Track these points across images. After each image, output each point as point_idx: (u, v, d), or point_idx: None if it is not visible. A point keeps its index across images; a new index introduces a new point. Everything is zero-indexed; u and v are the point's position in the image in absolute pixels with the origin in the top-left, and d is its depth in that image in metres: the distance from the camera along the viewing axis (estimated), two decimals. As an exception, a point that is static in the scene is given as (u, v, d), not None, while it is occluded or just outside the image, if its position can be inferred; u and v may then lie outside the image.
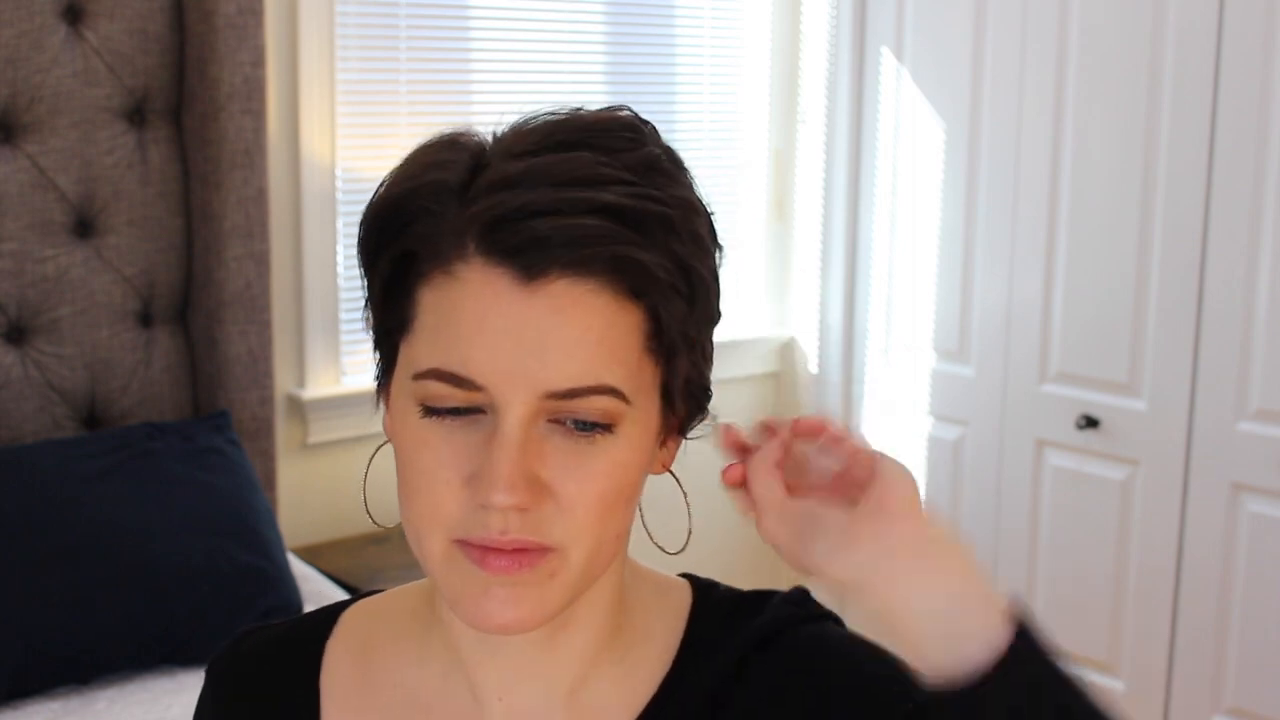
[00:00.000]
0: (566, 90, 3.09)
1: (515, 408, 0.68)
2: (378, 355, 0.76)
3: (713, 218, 0.75)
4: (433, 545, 0.72)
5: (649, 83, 3.26)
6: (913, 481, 0.71)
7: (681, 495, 0.82)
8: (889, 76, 3.25)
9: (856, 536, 0.70)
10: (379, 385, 0.77)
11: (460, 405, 0.69)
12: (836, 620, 0.83)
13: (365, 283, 0.75)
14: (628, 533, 0.76)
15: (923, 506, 0.71)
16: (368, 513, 0.84)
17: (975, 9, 3.04)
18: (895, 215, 3.28)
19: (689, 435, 0.79)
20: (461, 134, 0.73)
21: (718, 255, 0.75)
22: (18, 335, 2.32)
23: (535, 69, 3.03)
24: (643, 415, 0.72)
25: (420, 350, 0.70)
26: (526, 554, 0.70)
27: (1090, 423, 2.90)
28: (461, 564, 0.71)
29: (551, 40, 3.05)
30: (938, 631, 0.68)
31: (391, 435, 0.74)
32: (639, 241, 0.68)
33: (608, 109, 0.75)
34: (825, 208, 3.40)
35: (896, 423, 3.29)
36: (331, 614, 0.88)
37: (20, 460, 2.16)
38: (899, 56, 3.22)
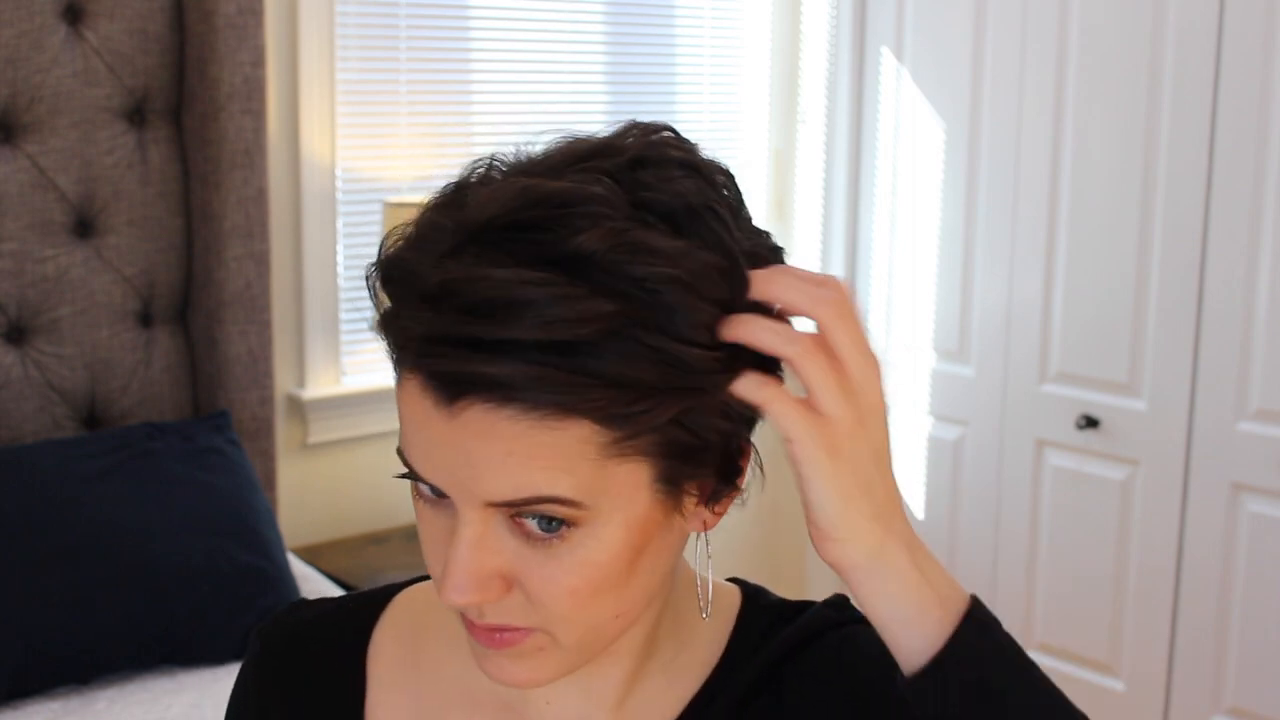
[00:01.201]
0: (566, 90, 3.09)
1: (466, 510, 0.66)
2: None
3: (732, 264, 0.67)
4: (444, 604, 0.72)
5: (649, 83, 3.26)
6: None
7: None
8: (889, 76, 3.25)
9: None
10: None
11: (432, 489, 0.69)
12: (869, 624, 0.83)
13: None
14: (645, 600, 0.73)
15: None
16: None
17: (975, 9, 3.04)
18: (895, 215, 3.28)
19: (735, 497, 0.74)
20: (469, 173, 0.71)
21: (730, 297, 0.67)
22: (18, 335, 2.32)
23: (535, 69, 3.03)
24: (620, 510, 0.67)
25: (401, 430, 0.70)
26: (507, 632, 0.70)
27: (1090, 423, 2.90)
28: (466, 629, 0.72)
29: (551, 40, 3.05)
30: (899, 633, 0.69)
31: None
32: (554, 375, 0.62)
33: (646, 139, 0.70)
34: (825, 208, 3.40)
35: (896, 423, 3.29)
36: (384, 596, 0.87)
37: (20, 460, 2.16)
38: (899, 56, 3.22)
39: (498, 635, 0.69)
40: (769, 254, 0.71)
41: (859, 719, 0.78)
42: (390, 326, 0.67)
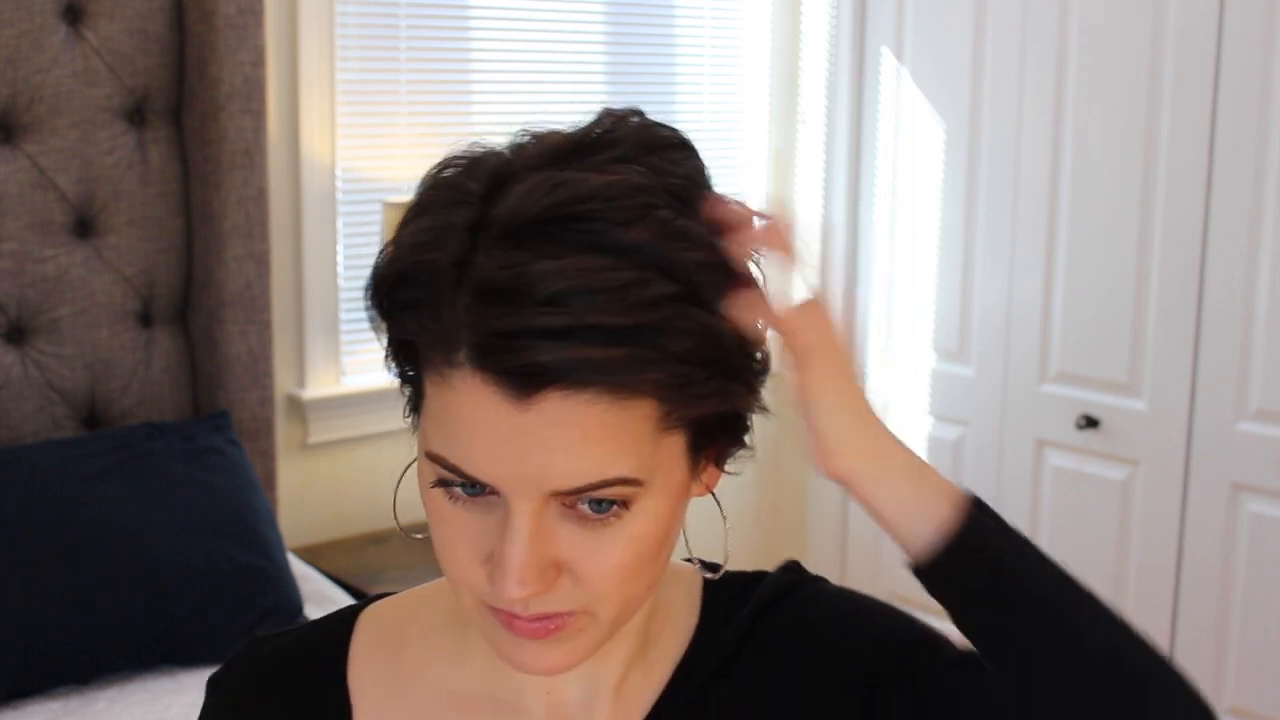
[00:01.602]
0: (566, 90, 3.09)
1: (523, 503, 0.68)
2: (402, 386, 0.76)
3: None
4: (465, 600, 0.73)
5: (649, 83, 3.26)
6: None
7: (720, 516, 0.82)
8: (889, 76, 3.25)
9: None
10: (411, 409, 0.76)
11: (471, 488, 0.70)
12: (825, 582, 0.88)
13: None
14: (665, 569, 0.76)
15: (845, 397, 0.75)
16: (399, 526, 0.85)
17: (975, 9, 3.04)
18: (895, 215, 3.28)
19: (727, 470, 0.79)
20: (465, 172, 0.71)
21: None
22: (18, 335, 2.32)
23: (535, 69, 3.03)
24: (664, 482, 0.71)
25: (430, 429, 0.70)
26: (552, 618, 0.71)
27: (1090, 423, 2.90)
28: (493, 622, 0.72)
29: (552, 40, 3.05)
30: (909, 523, 0.73)
31: (420, 482, 0.74)
32: (634, 356, 0.65)
33: (631, 124, 0.73)
34: (825, 208, 3.40)
35: (896, 423, 3.29)
36: (346, 618, 0.86)
37: (20, 460, 2.15)
38: (899, 56, 3.22)
39: (541, 624, 0.71)
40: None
41: (826, 673, 0.82)
42: (431, 330, 0.67)
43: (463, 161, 0.72)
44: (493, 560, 0.69)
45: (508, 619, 0.71)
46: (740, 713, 0.82)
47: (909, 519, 0.73)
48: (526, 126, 0.74)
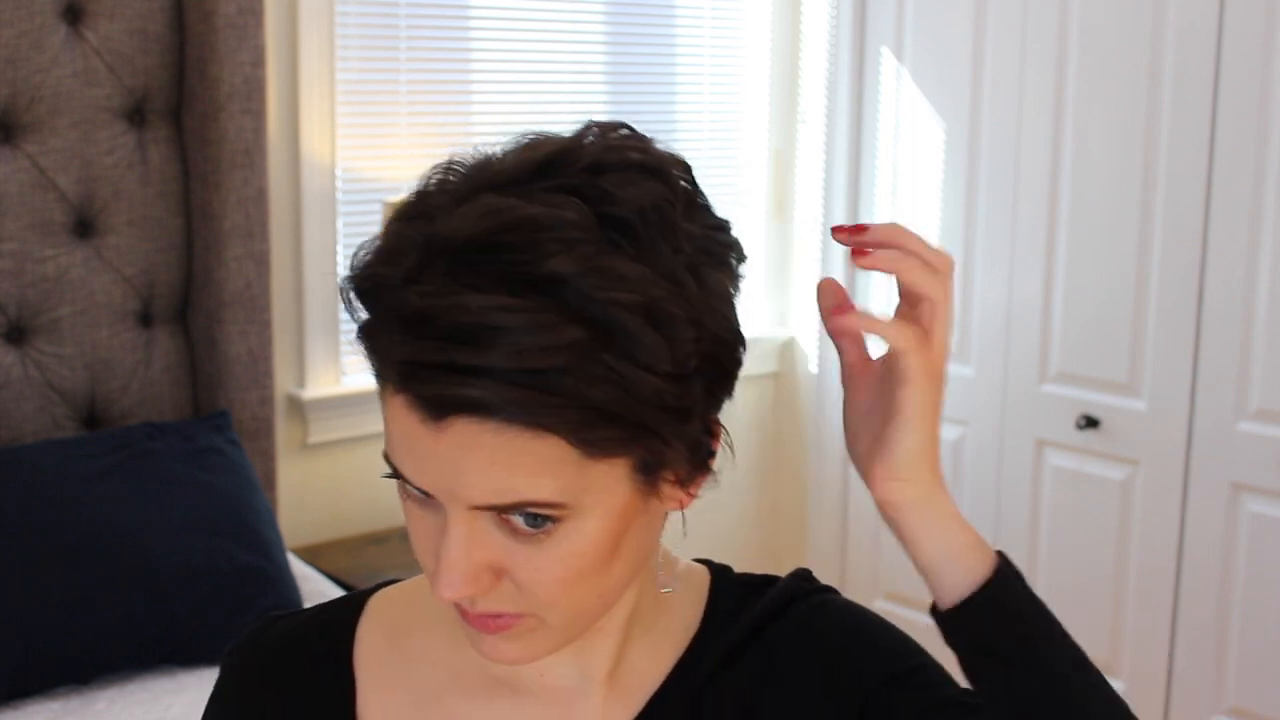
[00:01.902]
0: (566, 91, 3.09)
1: (454, 510, 0.70)
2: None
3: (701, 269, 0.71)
4: (436, 595, 0.75)
5: (649, 83, 3.26)
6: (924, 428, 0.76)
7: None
8: (889, 76, 3.25)
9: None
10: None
11: (419, 490, 0.72)
12: (836, 593, 0.90)
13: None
14: (628, 579, 0.77)
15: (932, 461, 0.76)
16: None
17: (975, 9, 3.04)
18: (895, 215, 3.28)
19: (695, 492, 0.78)
20: (440, 184, 0.72)
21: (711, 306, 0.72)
22: (18, 335, 2.32)
23: (535, 69, 3.03)
24: (599, 504, 0.70)
25: (387, 437, 0.73)
26: (499, 617, 0.74)
27: (1090, 423, 2.90)
28: (455, 612, 0.76)
29: (552, 40, 3.05)
30: (945, 568, 0.76)
31: None
32: (537, 399, 0.65)
33: (598, 142, 0.72)
34: (825, 208, 3.40)
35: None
36: (357, 600, 0.90)
37: (20, 460, 2.15)
38: (899, 56, 3.22)
39: (491, 621, 0.73)
40: (721, 248, 0.75)
41: (827, 681, 0.83)
42: (372, 345, 0.71)
43: (448, 170, 0.73)
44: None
45: (461, 611, 0.74)
46: (738, 708, 0.83)
47: (949, 564, 0.76)
48: (527, 132, 0.75)
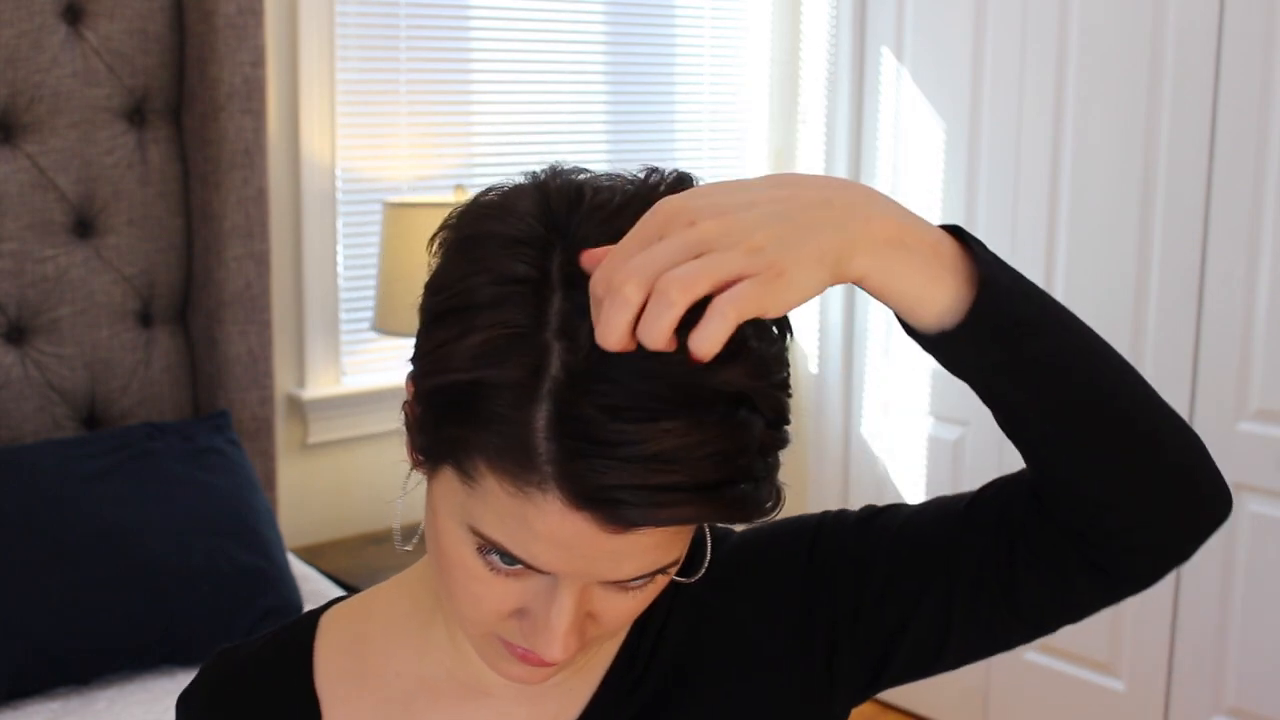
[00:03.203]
0: (566, 91, 3.09)
1: (576, 586, 0.69)
2: (420, 434, 0.72)
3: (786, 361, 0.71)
4: (471, 630, 0.74)
5: (649, 83, 3.26)
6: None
7: None
8: (889, 76, 3.25)
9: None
10: (416, 447, 0.73)
11: (513, 562, 0.70)
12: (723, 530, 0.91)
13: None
14: None
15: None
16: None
17: (975, 9, 3.04)
18: (895, 215, 3.28)
19: None
20: (533, 262, 0.67)
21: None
22: (18, 335, 2.32)
23: (535, 69, 3.03)
24: (687, 544, 0.73)
25: (482, 514, 0.68)
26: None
27: (1090, 423, 2.90)
28: (500, 649, 0.74)
29: (552, 40, 3.06)
30: (906, 273, 0.67)
31: (432, 528, 0.73)
32: (718, 501, 0.65)
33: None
34: (825, 208, 3.39)
35: (896, 423, 3.29)
36: (307, 621, 0.88)
37: (20, 460, 2.15)
38: (899, 56, 3.22)
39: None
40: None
41: (761, 608, 0.84)
42: (508, 446, 0.65)
43: (520, 234, 0.68)
44: (529, 618, 0.71)
45: (524, 655, 0.72)
46: (688, 650, 0.84)
47: (922, 303, 0.67)
48: (563, 169, 0.72)
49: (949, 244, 0.68)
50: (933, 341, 0.69)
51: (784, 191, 0.65)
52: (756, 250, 0.62)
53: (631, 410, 0.63)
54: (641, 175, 0.72)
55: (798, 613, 0.83)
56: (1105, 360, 0.70)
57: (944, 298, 0.67)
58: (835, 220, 0.64)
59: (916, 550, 0.80)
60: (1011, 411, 0.71)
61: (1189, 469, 0.72)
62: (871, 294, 0.68)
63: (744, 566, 0.85)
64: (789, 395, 0.70)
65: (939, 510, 0.81)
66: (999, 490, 0.79)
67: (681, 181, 0.71)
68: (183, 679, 2.06)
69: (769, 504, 0.68)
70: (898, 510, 0.83)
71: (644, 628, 0.85)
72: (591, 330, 0.63)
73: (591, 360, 0.63)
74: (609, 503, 0.63)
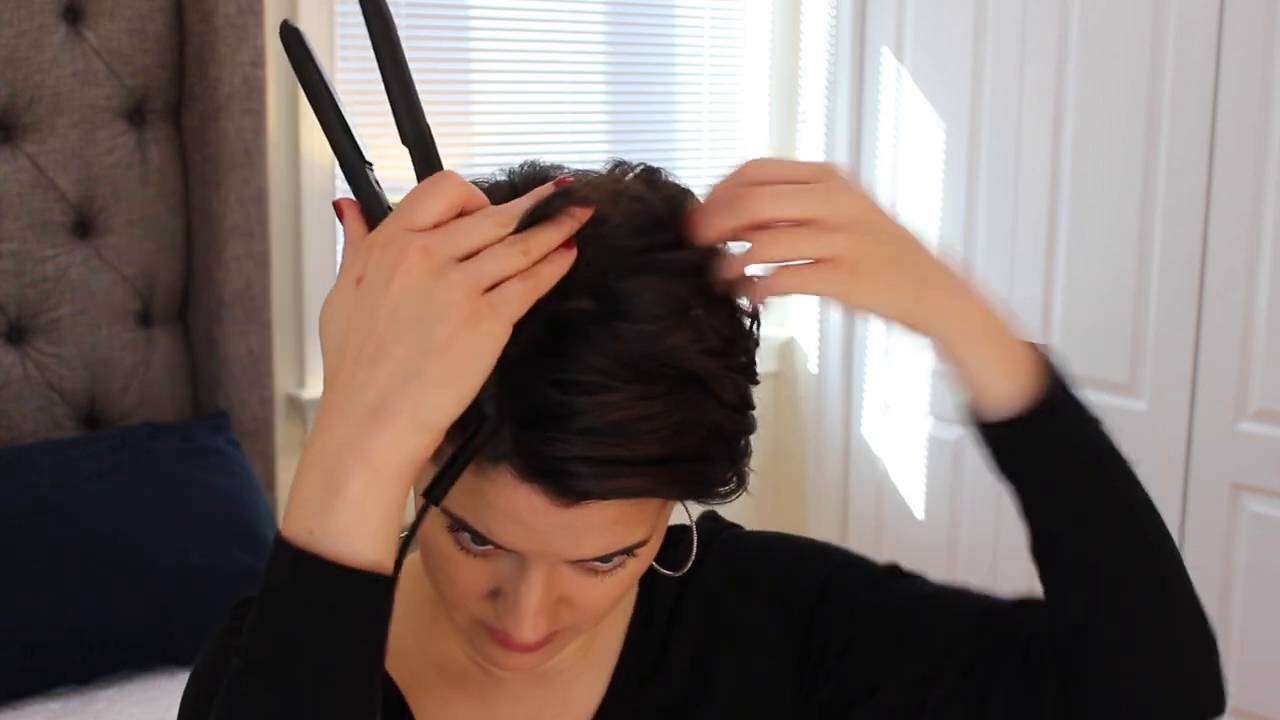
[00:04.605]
0: (567, 91, 3.09)
1: (543, 566, 0.71)
2: None
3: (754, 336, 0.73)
4: (458, 616, 0.76)
5: (649, 83, 3.26)
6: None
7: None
8: (889, 76, 3.25)
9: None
10: None
11: (483, 542, 0.71)
12: (740, 528, 0.94)
13: None
14: None
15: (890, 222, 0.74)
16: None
17: (975, 9, 3.04)
18: (895, 215, 3.28)
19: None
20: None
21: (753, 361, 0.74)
22: (18, 335, 2.32)
23: (535, 70, 3.03)
24: (661, 528, 0.75)
25: (468, 498, 0.70)
26: (546, 638, 0.75)
27: (1090, 423, 2.89)
28: (484, 636, 0.76)
29: (551, 40, 3.05)
30: (987, 352, 0.74)
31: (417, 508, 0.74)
32: (671, 478, 0.68)
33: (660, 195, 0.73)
34: (825, 208, 3.39)
35: (896, 423, 3.29)
36: None
37: (20, 460, 2.16)
38: (899, 56, 3.22)
39: (536, 643, 0.74)
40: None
41: (773, 608, 0.87)
42: (504, 438, 0.67)
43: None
44: (501, 598, 0.72)
45: (503, 638, 0.74)
46: (703, 644, 0.87)
47: (992, 383, 0.74)
48: (538, 165, 0.75)
49: (1031, 350, 0.75)
50: (992, 428, 0.74)
51: (935, 255, 0.74)
52: (857, 244, 0.69)
53: (580, 384, 0.64)
54: (608, 168, 0.75)
55: (801, 632, 0.86)
56: (1156, 517, 0.78)
57: (1011, 386, 0.73)
58: (947, 282, 0.73)
59: (916, 630, 0.83)
60: (1050, 530, 0.76)
61: (1202, 654, 0.77)
62: (941, 359, 0.73)
63: (764, 570, 0.88)
64: (753, 381, 0.72)
65: (954, 604, 0.84)
66: (1017, 609, 0.82)
67: (650, 173, 0.75)
68: (183, 679, 2.05)
69: (724, 487, 0.71)
70: (915, 583, 0.86)
71: (651, 617, 0.87)
72: (542, 308, 0.65)
73: (542, 336, 0.65)
74: (557, 474, 0.65)
